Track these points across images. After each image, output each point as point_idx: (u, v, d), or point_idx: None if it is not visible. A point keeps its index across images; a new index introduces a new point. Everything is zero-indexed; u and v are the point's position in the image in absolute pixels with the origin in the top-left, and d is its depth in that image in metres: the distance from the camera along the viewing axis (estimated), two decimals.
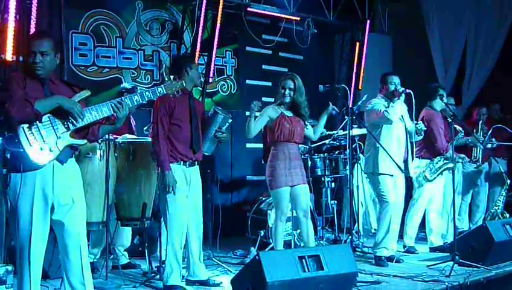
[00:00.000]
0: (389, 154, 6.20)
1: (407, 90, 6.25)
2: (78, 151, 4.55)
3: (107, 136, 5.21)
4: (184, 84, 4.78)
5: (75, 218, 4.03)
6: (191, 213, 5.32)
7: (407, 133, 6.48)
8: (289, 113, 5.83)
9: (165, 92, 4.48)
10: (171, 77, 4.90)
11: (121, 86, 6.88)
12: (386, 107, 6.29)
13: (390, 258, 6.37)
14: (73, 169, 4.12)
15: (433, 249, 7.09)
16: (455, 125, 6.92)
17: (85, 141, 4.14)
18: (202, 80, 5.57)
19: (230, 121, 5.72)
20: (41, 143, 3.84)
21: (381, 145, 6.23)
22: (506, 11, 9.95)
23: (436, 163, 6.98)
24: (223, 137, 5.58)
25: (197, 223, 5.41)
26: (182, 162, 5.25)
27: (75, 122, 3.95)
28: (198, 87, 7.96)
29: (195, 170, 5.39)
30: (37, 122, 3.83)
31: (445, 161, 7.00)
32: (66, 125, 3.96)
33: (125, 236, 6.26)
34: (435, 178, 6.98)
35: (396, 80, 6.43)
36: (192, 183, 5.33)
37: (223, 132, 5.56)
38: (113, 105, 4.10)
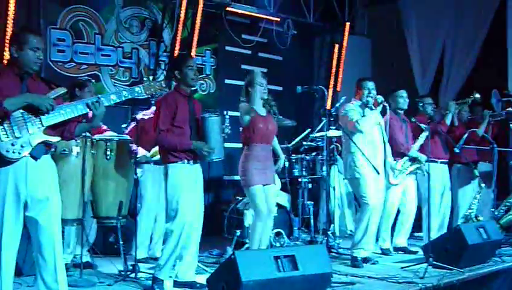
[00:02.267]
0: (364, 154, 6.21)
1: (385, 103, 6.33)
2: (55, 149, 4.52)
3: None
4: (163, 85, 4.69)
5: (49, 215, 3.99)
6: (195, 212, 5.23)
7: (383, 137, 6.49)
8: (263, 112, 5.83)
9: (143, 93, 4.44)
10: (150, 77, 4.85)
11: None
12: (362, 115, 6.30)
13: (366, 260, 6.40)
14: (48, 166, 4.08)
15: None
16: (420, 124, 6.96)
17: (58, 138, 4.10)
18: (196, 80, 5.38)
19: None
20: (12, 139, 3.82)
21: (359, 148, 6.24)
22: (484, 15, 10.05)
23: (402, 165, 7.01)
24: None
25: (199, 224, 5.31)
26: (185, 160, 5.13)
27: (46, 114, 3.91)
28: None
29: (199, 168, 5.29)
30: (9, 118, 3.80)
31: (411, 163, 7.05)
32: (39, 122, 3.93)
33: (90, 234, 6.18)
34: (400, 182, 7.01)
35: (371, 85, 6.41)
36: (197, 181, 5.24)
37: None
38: (89, 103, 4.08)
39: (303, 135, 7.49)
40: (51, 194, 4.02)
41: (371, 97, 6.36)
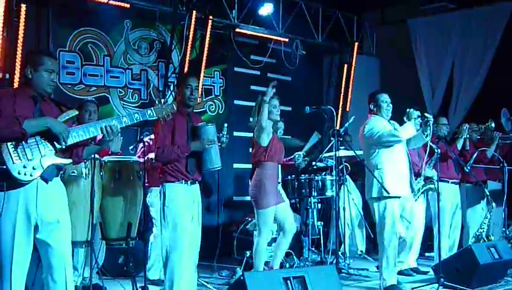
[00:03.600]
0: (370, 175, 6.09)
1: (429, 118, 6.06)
2: (64, 171, 4.51)
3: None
4: (175, 108, 4.62)
5: (60, 237, 3.98)
6: (192, 233, 5.14)
7: (408, 155, 6.27)
8: (274, 134, 5.90)
9: (154, 116, 4.42)
10: (162, 100, 4.82)
11: None
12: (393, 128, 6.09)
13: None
14: (58, 188, 4.08)
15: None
16: (432, 145, 6.88)
17: (70, 161, 4.10)
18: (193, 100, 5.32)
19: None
20: (24, 161, 3.82)
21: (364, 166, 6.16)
22: (492, 34, 10.05)
23: (416, 185, 6.95)
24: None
25: (197, 246, 5.24)
26: (183, 181, 5.10)
27: (60, 144, 3.93)
28: None
29: (197, 189, 5.24)
30: (23, 141, 3.81)
31: (424, 182, 7.01)
32: (51, 145, 3.93)
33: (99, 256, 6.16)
34: (416, 199, 6.95)
35: (386, 97, 6.24)
36: (195, 202, 5.18)
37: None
38: (102, 127, 4.07)
39: (311, 141, 7.42)
40: (61, 217, 4.01)
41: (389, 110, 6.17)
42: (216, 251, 7.73)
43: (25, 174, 3.81)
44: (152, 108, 4.46)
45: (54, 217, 3.97)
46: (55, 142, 3.93)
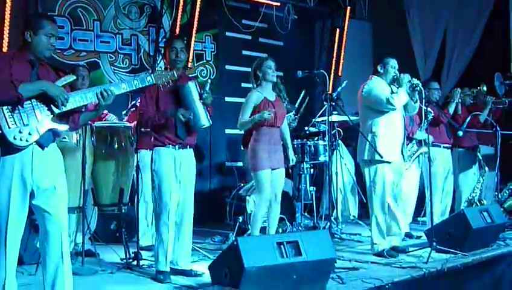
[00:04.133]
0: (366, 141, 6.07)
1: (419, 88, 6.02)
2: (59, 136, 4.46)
3: None
4: (176, 75, 4.58)
5: (56, 203, 3.94)
6: (182, 199, 5.14)
7: (403, 121, 6.22)
8: (272, 97, 5.85)
9: (154, 82, 4.37)
10: (162, 67, 4.77)
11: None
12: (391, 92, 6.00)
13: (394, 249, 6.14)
14: (54, 154, 4.02)
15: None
16: (426, 109, 6.84)
17: (67, 126, 4.04)
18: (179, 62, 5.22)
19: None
20: (20, 126, 3.75)
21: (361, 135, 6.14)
22: (485, 1, 9.98)
23: (410, 150, 6.93)
24: (207, 99, 5.15)
25: (188, 210, 5.20)
26: (170, 145, 5.06)
27: (58, 108, 3.86)
28: None
29: (188, 153, 5.18)
30: (19, 106, 3.74)
31: (417, 147, 7.00)
32: (48, 110, 3.87)
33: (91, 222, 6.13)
34: (410, 167, 6.94)
35: (395, 63, 6.15)
36: (184, 167, 5.12)
37: (204, 97, 5.15)
38: (98, 93, 4.01)
39: (300, 98, 7.34)
40: (57, 183, 3.96)
41: (396, 76, 6.08)
42: (208, 216, 7.74)
43: (21, 139, 3.75)
44: (152, 74, 4.42)
45: (50, 183, 3.92)
46: (52, 107, 3.86)
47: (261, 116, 5.63)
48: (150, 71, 8.32)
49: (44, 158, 3.90)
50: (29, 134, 3.78)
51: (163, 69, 4.52)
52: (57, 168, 4.02)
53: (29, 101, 3.79)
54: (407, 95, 6.03)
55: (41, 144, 3.86)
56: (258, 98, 5.78)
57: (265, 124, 5.72)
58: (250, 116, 5.74)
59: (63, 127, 3.99)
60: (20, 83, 3.72)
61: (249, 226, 6.69)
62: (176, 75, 4.58)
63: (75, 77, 4.14)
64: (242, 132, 6.87)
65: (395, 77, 6.09)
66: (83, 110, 4.18)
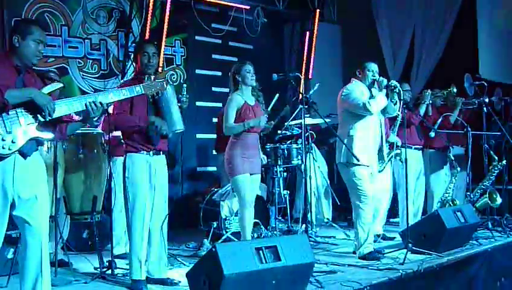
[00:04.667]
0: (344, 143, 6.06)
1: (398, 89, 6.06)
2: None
3: None
4: (164, 85, 4.53)
5: (37, 214, 3.84)
6: (155, 206, 5.04)
7: (381, 125, 6.24)
8: (251, 101, 5.85)
9: (143, 92, 4.31)
10: (152, 77, 4.71)
11: None
12: (370, 97, 6.03)
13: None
14: (37, 164, 3.92)
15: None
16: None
17: (52, 135, 3.94)
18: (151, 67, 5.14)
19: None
20: (4, 134, 3.66)
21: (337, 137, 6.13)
22: (453, 1, 10.09)
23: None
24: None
25: (162, 217, 5.11)
26: (144, 151, 4.98)
27: (44, 118, 3.77)
28: None
29: (161, 160, 5.10)
30: (3, 113, 3.65)
31: (388, 149, 7.02)
32: (33, 118, 3.78)
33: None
34: (384, 168, 6.95)
35: (375, 67, 6.20)
36: (158, 173, 5.04)
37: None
38: (87, 104, 3.93)
39: (273, 102, 7.30)
40: (39, 193, 3.86)
41: (376, 79, 6.12)
42: (181, 222, 7.67)
43: (3, 147, 3.67)
44: (141, 84, 4.36)
45: (31, 194, 3.82)
46: (38, 115, 3.77)
47: (257, 123, 5.65)
48: (120, 76, 8.25)
49: (27, 167, 3.81)
50: (12, 142, 3.70)
51: (152, 79, 4.45)
52: (39, 178, 3.93)
53: (13, 109, 3.70)
54: (385, 98, 6.06)
55: (24, 153, 3.77)
56: (239, 101, 5.76)
57: (247, 130, 5.69)
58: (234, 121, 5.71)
59: (47, 136, 3.89)
60: (6, 88, 3.63)
61: (224, 232, 6.67)
62: (165, 86, 4.52)
63: (62, 85, 4.07)
64: (214, 136, 6.82)
65: (375, 79, 6.11)
66: (74, 120, 4.10)
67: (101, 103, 3.98)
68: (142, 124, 4.91)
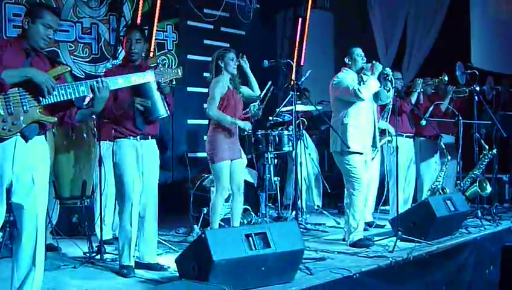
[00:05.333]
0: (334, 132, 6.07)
1: (390, 76, 6.09)
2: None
3: None
4: (179, 73, 4.49)
5: (34, 200, 3.77)
6: (145, 191, 5.03)
7: (373, 113, 6.26)
8: (231, 87, 5.82)
9: (154, 80, 4.27)
10: (166, 65, 4.63)
11: None
12: (359, 83, 6.01)
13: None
14: (40, 148, 3.84)
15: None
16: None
17: (54, 119, 3.86)
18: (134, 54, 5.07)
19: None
20: (4, 115, 3.61)
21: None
22: None
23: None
24: (165, 89, 4.98)
25: (152, 203, 5.10)
26: (131, 137, 4.94)
27: (44, 96, 3.71)
28: None
29: (150, 144, 5.06)
30: (3, 93, 3.60)
31: (380, 137, 7.02)
32: (35, 100, 3.71)
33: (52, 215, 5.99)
34: (375, 155, 6.96)
35: (360, 51, 6.21)
36: (146, 158, 5.00)
37: (162, 86, 4.96)
38: (92, 84, 3.86)
39: (267, 88, 7.26)
40: (38, 179, 3.79)
41: (365, 63, 6.14)
42: (171, 208, 7.64)
43: (3, 129, 3.61)
44: (153, 70, 4.27)
45: (29, 179, 3.75)
46: (39, 97, 3.71)
47: (243, 126, 5.83)
48: (112, 60, 8.18)
49: (28, 151, 3.74)
50: (13, 124, 3.64)
51: (166, 66, 4.39)
52: (42, 163, 3.86)
53: (16, 90, 3.65)
54: (379, 83, 6.07)
55: (25, 135, 3.70)
56: (225, 86, 5.78)
57: (229, 115, 5.73)
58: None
59: (50, 119, 3.82)
60: (4, 69, 3.58)
61: None
62: (180, 73, 4.47)
63: (69, 68, 3.98)
64: (206, 122, 6.80)
65: (364, 64, 6.13)
66: (84, 106, 4.05)
67: (106, 82, 3.92)
68: (120, 112, 4.87)
